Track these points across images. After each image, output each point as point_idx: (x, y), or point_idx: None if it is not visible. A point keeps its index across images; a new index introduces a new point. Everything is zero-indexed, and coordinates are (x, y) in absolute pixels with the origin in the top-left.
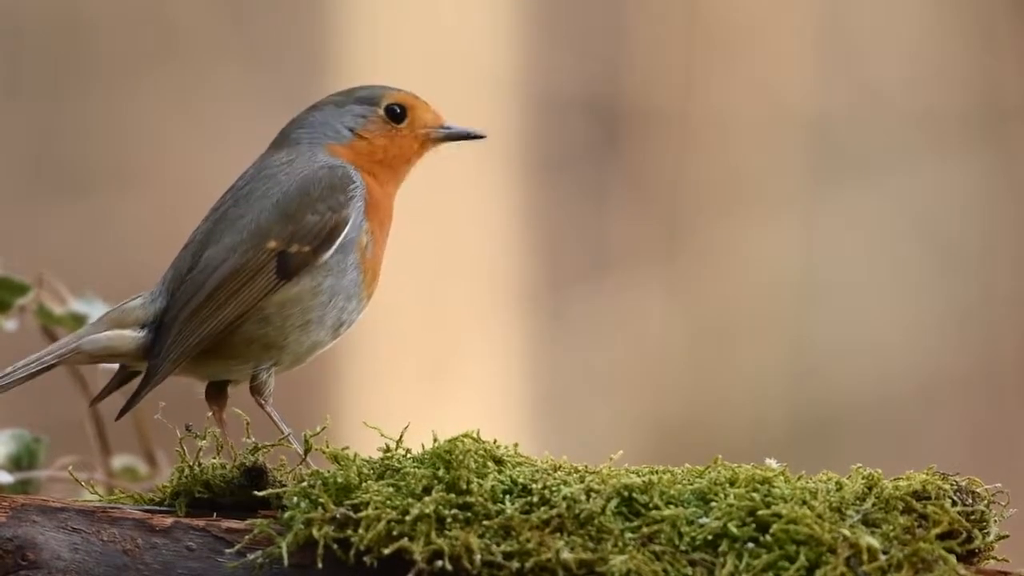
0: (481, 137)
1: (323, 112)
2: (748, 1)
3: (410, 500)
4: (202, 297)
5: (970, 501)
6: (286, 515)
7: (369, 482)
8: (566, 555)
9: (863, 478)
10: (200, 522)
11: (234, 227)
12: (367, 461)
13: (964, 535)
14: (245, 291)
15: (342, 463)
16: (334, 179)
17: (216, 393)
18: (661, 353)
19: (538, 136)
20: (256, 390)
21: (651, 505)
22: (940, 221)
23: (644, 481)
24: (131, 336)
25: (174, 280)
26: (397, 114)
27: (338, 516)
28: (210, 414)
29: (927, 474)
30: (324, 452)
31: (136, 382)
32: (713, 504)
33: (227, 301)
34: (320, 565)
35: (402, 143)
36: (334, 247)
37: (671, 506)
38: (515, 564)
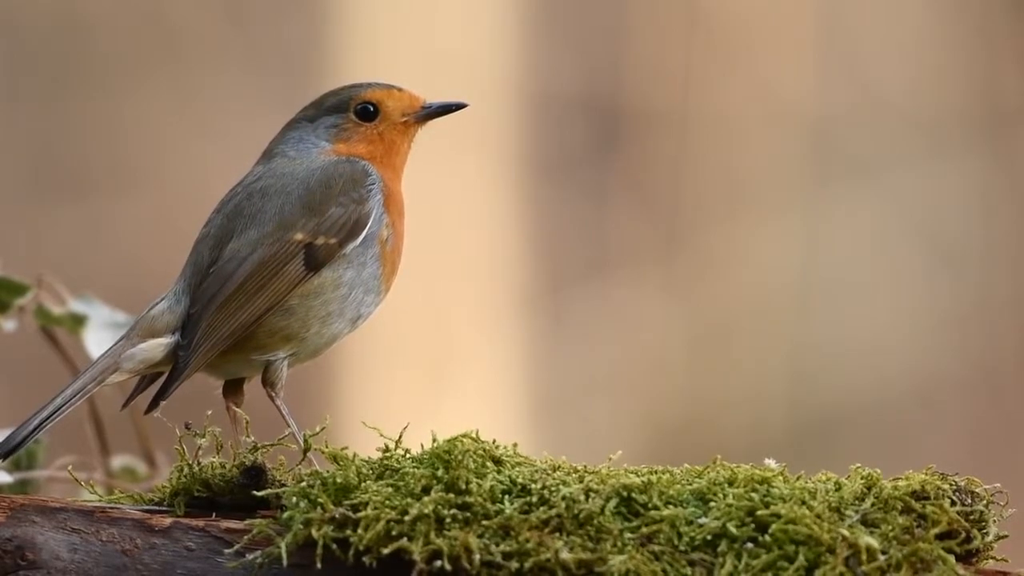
0: (464, 106)
1: (297, 130)
2: (748, 1)
3: (409, 500)
4: (231, 288)
5: (969, 501)
6: (285, 515)
7: (368, 482)
8: (565, 555)
9: (862, 478)
10: (199, 522)
11: (256, 220)
12: (366, 461)
13: (963, 535)
14: (274, 282)
15: (341, 463)
16: (355, 172)
17: (233, 390)
18: (661, 353)
19: (538, 136)
20: (268, 382)
21: (650, 505)
22: (939, 222)
23: (643, 481)
24: (165, 343)
25: (195, 276)
26: (370, 112)
27: (337, 516)
28: (210, 412)
29: (926, 474)
30: (323, 452)
31: (150, 382)
32: (712, 504)
33: (257, 292)
34: (319, 565)
35: (384, 138)
36: (359, 239)
37: (670, 506)
38: (514, 564)
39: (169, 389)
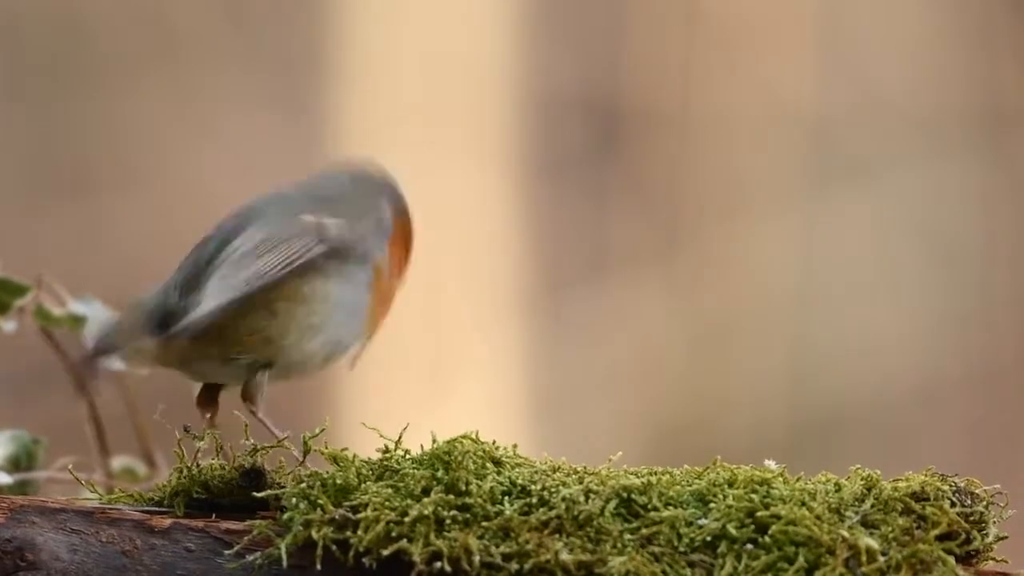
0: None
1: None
2: (748, 1)
3: (409, 501)
4: (247, 248)
5: (969, 502)
6: (285, 516)
7: (368, 483)
8: (565, 556)
9: (862, 479)
10: (199, 523)
11: (267, 212)
12: (366, 462)
13: (963, 536)
14: (280, 250)
15: (341, 464)
16: (370, 189)
17: (208, 400)
18: (661, 354)
19: (538, 136)
20: (248, 396)
21: (650, 506)
22: (940, 223)
23: (643, 482)
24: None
25: (194, 267)
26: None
27: (337, 517)
28: (208, 415)
29: (926, 475)
30: (323, 453)
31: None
32: (712, 505)
33: (271, 251)
34: (319, 566)
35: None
36: (357, 253)
37: (670, 507)
38: (514, 565)
39: (186, 329)
